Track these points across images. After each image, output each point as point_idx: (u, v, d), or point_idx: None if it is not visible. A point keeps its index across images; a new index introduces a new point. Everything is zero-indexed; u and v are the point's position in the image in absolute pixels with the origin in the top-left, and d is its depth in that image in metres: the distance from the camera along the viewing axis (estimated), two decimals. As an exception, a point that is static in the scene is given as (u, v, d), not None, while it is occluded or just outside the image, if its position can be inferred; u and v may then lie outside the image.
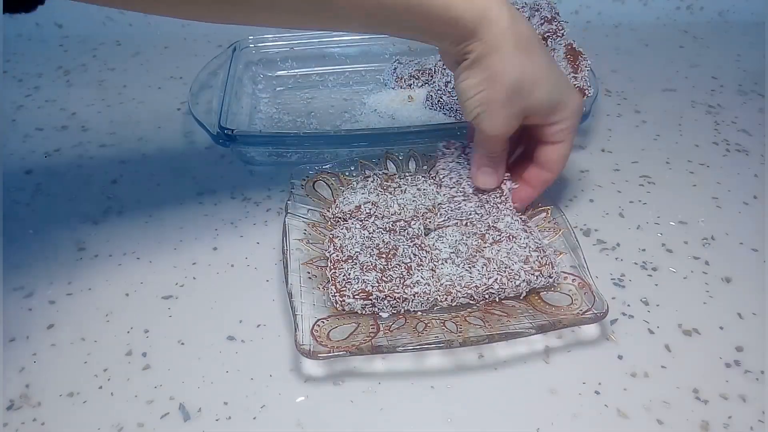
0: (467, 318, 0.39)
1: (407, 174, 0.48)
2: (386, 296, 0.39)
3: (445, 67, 0.62)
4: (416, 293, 0.39)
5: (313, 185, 0.48)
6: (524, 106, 0.40)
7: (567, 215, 0.45)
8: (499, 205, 0.45)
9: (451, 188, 0.46)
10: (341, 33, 0.66)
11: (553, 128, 0.42)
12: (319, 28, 0.39)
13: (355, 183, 0.47)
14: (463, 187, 0.46)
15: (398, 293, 0.39)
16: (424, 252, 0.41)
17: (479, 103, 0.40)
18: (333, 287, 0.39)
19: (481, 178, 0.45)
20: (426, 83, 0.62)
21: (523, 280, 0.39)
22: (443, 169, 0.48)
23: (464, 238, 0.42)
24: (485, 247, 0.41)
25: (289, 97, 0.63)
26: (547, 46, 0.56)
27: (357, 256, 0.40)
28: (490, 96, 0.39)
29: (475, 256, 0.41)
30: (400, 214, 0.45)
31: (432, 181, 0.47)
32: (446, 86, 0.58)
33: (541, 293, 0.41)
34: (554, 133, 0.42)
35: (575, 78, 0.51)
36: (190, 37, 0.76)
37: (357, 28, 0.41)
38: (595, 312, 0.37)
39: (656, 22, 0.80)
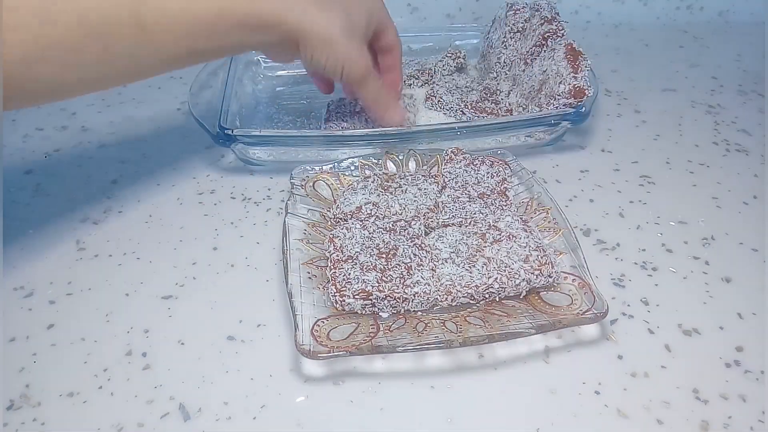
0: (467, 318, 0.39)
1: (407, 174, 0.48)
2: (386, 296, 0.39)
3: (444, 67, 0.62)
4: (416, 293, 0.39)
5: (313, 185, 0.48)
6: (359, 32, 0.46)
7: (567, 215, 0.45)
8: (501, 206, 0.45)
9: (455, 190, 0.46)
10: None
11: (379, 27, 0.49)
12: (166, 70, 0.42)
13: (355, 183, 0.47)
14: (468, 191, 0.46)
15: (398, 293, 0.39)
16: (424, 252, 0.41)
17: (335, 65, 0.45)
18: (333, 287, 0.39)
19: (391, 114, 0.51)
20: (426, 83, 0.62)
21: (523, 280, 0.39)
22: (449, 172, 0.48)
23: (464, 237, 0.42)
24: (485, 247, 0.41)
25: (289, 97, 0.63)
26: (547, 46, 0.56)
27: (357, 256, 0.40)
28: (337, 54, 0.45)
29: (475, 255, 0.41)
30: (401, 213, 0.45)
31: (433, 180, 0.47)
32: (446, 86, 0.58)
33: (541, 293, 0.41)
34: (382, 27, 0.50)
35: (575, 78, 0.51)
36: None
37: (190, 59, 0.42)
38: (595, 312, 0.37)
39: (656, 22, 0.80)
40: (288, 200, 0.46)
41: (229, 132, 0.51)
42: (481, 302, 0.40)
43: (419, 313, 0.40)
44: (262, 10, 0.41)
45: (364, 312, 0.39)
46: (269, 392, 0.37)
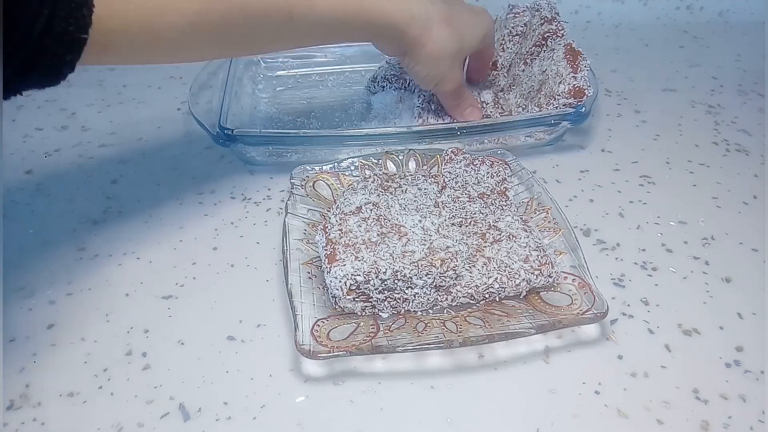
0: (467, 318, 0.39)
1: (407, 174, 0.48)
2: (386, 297, 0.39)
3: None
4: (416, 293, 0.39)
5: (313, 185, 0.48)
6: (464, 54, 0.52)
7: (567, 215, 0.45)
8: (501, 206, 0.45)
9: (456, 190, 0.46)
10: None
11: (487, 45, 0.55)
12: (291, 48, 0.47)
13: (355, 183, 0.47)
14: (468, 191, 0.46)
15: (398, 294, 0.39)
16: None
17: (433, 78, 0.51)
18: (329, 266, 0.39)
19: (469, 115, 0.55)
20: (402, 88, 0.61)
21: (523, 279, 0.39)
22: (449, 172, 0.48)
23: (464, 237, 0.42)
24: (485, 247, 0.41)
25: (289, 97, 0.63)
26: (547, 46, 0.56)
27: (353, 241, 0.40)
28: (439, 71, 0.50)
29: (475, 255, 0.41)
30: (401, 213, 0.44)
31: (433, 180, 0.47)
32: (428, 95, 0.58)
33: (541, 293, 0.41)
34: (487, 47, 0.56)
35: (575, 78, 0.51)
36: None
37: (318, 42, 0.49)
38: (595, 312, 0.38)
39: (656, 22, 0.80)
40: (288, 200, 0.46)
41: (229, 132, 0.51)
42: (481, 302, 0.40)
43: (419, 313, 0.40)
44: (393, 18, 0.46)
45: (363, 313, 0.39)
46: (269, 392, 0.37)
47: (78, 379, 0.38)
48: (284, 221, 0.44)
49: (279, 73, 0.66)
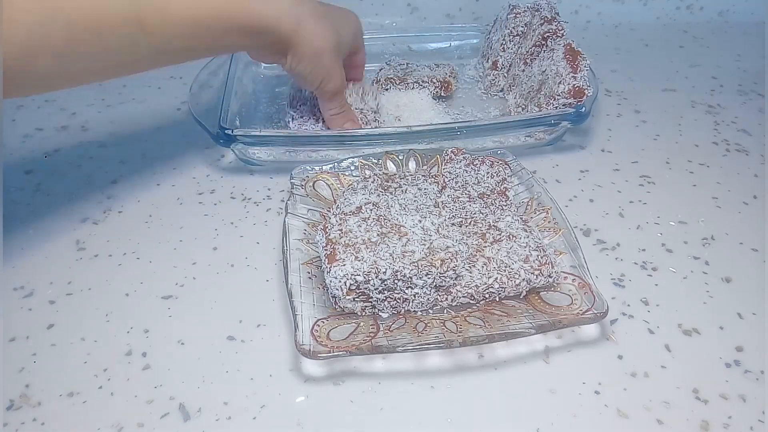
0: (467, 318, 0.39)
1: (407, 174, 0.48)
2: (386, 297, 0.39)
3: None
4: (416, 293, 0.39)
5: (313, 185, 0.48)
6: (343, 49, 0.50)
7: (567, 215, 0.45)
8: (501, 206, 0.45)
9: (456, 190, 0.46)
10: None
11: (359, 44, 0.55)
12: (161, 65, 0.43)
13: (355, 183, 0.47)
14: (468, 191, 0.46)
15: (398, 294, 0.39)
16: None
17: (317, 75, 0.48)
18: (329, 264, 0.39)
19: (348, 126, 0.54)
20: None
21: (523, 279, 0.39)
22: (449, 172, 0.48)
23: (464, 237, 0.42)
24: (485, 247, 0.41)
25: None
26: (547, 46, 0.56)
27: (353, 240, 0.40)
28: (322, 66, 0.48)
29: (475, 255, 0.41)
30: (401, 213, 0.44)
31: (433, 180, 0.47)
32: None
33: (541, 293, 0.41)
34: (360, 45, 0.55)
35: (575, 78, 0.51)
36: None
37: (185, 55, 0.43)
38: (595, 312, 0.38)
39: (656, 22, 0.80)
40: (288, 200, 0.46)
41: (229, 132, 0.51)
42: (481, 302, 0.40)
43: (419, 313, 0.40)
44: (261, 16, 0.42)
45: (363, 313, 0.39)
46: (269, 392, 0.37)
47: (78, 379, 0.38)
48: (284, 221, 0.44)
49: (279, 73, 0.66)
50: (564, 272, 0.41)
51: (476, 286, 0.39)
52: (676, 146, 0.57)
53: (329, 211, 0.44)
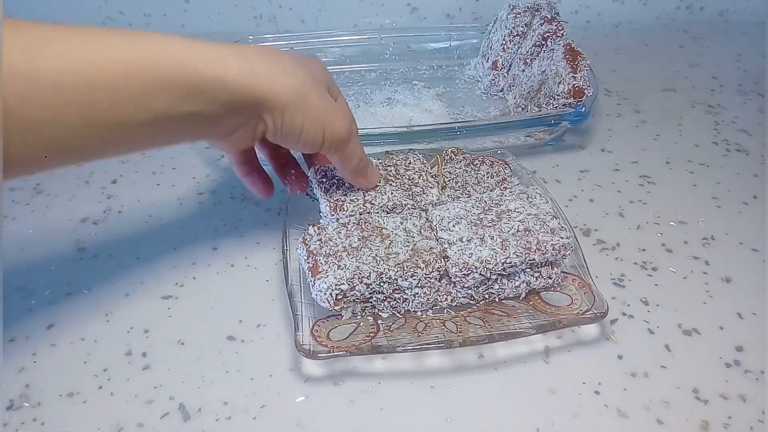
0: (467, 318, 0.39)
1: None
2: (386, 297, 0.39)
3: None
4: (416, 293, 0.39)
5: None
6: (328, 92, 0.37)
7: (567, 215, 0.45)
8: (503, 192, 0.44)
9: (456, 190, 0.46)
10: (340, 33, 0.66)
11: (332, 91, 0.40)
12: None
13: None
14: (468, 191, 0.46)
15: (398, 295, 0.39)
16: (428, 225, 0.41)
17: (315, 126, 0.36)
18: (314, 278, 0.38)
19: (372, 178, 0.43)
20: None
21: (523, 281, 0.39)
22: (449, 172, 0.48)
23: (471, 226, 0.40)
24: (495, 226, 0.40)
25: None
26: (546, 46, 0.56)
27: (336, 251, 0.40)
28: (315, 113, 0.35)
29: (485, 230, 0.39)
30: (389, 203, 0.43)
31: (434, 181, 0.47)
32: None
33: (541, 293, 0.41)
34: (334, 94, 0.40)
35: (574, 78, 0.51)
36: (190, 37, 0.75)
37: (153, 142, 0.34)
38: (595, 312, 0.38)
39: (656, 22, 0.80)
40: (288, 200, 0.46)
41: (229, 132, 0.50)
42: (481, 302, 0.40)
43: (419, 313, 0.40)
44: (207, 67, 0.31)
45: (363, 313, 0.39)
46: (269, 392, 0.37)
47: (78, 379, 0.38)
48: (284, 221, 0.44)
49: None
50: (564, 272, 0.41)
51: (489, 260, 0.38)
52: (676, 146, 0.57)
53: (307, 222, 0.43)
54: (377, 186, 0.44)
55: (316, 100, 0.36)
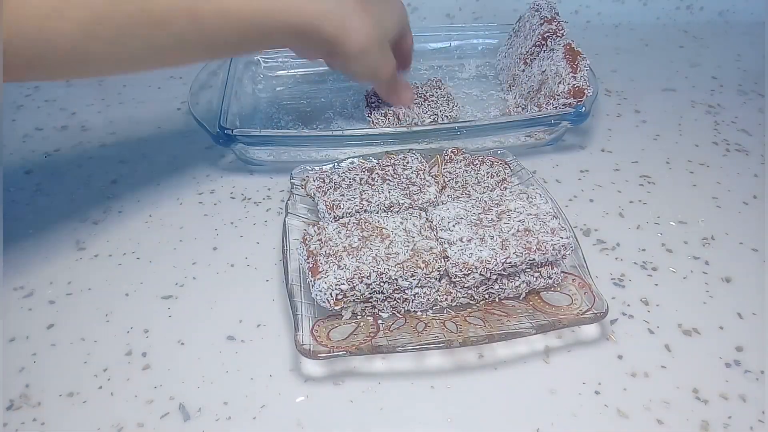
0: (467, 318, 0.39)
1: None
2: (386, 297, 0.39)
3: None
4: (416, 293, 0.39)
5: (313, 185, 0.48)
6: (389, 40, 0.49)
7: (567, 215, 0.45)
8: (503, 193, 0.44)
9: (456, 190, 0.46)
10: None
11: (405, 30, 0.54)
12: (204, 59, 0.47)
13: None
14: (468, 191, 0.46)
15: (398, 295, 0.39)
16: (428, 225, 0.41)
17: (367, 71, 0.49)
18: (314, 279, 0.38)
19: (404, 97, 0.55)
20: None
21: (523, 281, 0.39)
22: (449, 172, 0.48)
23: (471, 226, 0.41)
24: (495, 226, 0.40)
25: (289, 97, 0.63)
26: (546, 46, 0.56)
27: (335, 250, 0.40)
28: (370, 61, 0.48)
29: (486, 230, 0.39)
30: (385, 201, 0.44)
31: (432, 180, 0.47)
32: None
33: (541, 293, 0.41)
34: (406, 32, 0.54)
35: (574, 78, 0.51)
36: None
37: (231, 50, 0.47)
38: (595, 312, 0.38)
39: (656, 22, 0.80)
40: (288, 200, 0.46)
41: (229, 132, 0.51)
42: (481, 302, 0.40)
43: (419, 313, 0.40)
44: (306, 16, 0.42)
45: (363, 313, 0.39)
46: (269, 392, 0.37)
47: (78, 379, 0.38)
48: (284, 221, 0.44)
49: (279, 73, 0.66)
50: (564, 272, 0.41)
51: (490, 260, 0.38)
52: (676, 146, 0.57)
53: (308, 222, 0.43)
54: (411, 105, 0.56)
55: (374, 55, 0.48)
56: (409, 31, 0.55)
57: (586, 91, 0.51)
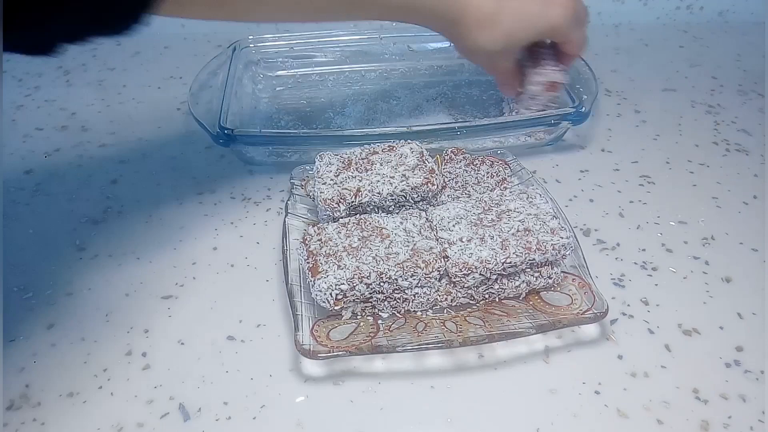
0: (467, 318, 0.39)
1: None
2: (386, 297, 0.39)
3: None
4: (416, 293, 0.39)
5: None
6: (514, 54, 0.51)
7: (567, 215, 0.45)
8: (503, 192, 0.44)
9: (456, 190, 0.46)
10: (340, 33, 0.66)
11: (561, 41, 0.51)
12: (344, 20, 0.48)
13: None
14: (468, 191, 0.46)
15: (398, 295, 0.39)
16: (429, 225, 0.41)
17: (484, 66, 0.52)
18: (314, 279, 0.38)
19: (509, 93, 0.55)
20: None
21: (523, 281, 0.39)
22: (449, 172, 0.48)
23: (471, 226, 0.41)
24: (495, 225, 0.40)
25: (289, 97, 0.63)
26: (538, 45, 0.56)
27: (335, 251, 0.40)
28: (486, 63, 0.51)
29: (486, 230, 0.39)
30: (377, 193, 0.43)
31: (427, 168, 0.47)
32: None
33: (541, 293, 0.41)
34: (566, 39, 0.50)
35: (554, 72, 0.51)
36: (190, 37, 0.76)
37: (373, 17, 0.47)
38: (595, 312, 0.37)
39: (656, 22, 0.80)
40: (288, 200, 0.46)
41: (229, 132, 0.51)
42: (481, 302, 0.40)
43: (419, 313, 0.40)
44: (447, 5, 0.45)
45: (363, 313, 0.39)
46: (269, 392, 0.37)
47: (78, 379, 0.38)
48: (284, 221, 0.44)
49: (279, 73, 0.66)
50: (564, 272, 0.41)
51: (490, 261, 0.38)
52: (676, 146, 0.57)
53: (308, 222, 0.43)
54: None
55: (491, 61, 0.51)
56: (572, 38, 0.50)
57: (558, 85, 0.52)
